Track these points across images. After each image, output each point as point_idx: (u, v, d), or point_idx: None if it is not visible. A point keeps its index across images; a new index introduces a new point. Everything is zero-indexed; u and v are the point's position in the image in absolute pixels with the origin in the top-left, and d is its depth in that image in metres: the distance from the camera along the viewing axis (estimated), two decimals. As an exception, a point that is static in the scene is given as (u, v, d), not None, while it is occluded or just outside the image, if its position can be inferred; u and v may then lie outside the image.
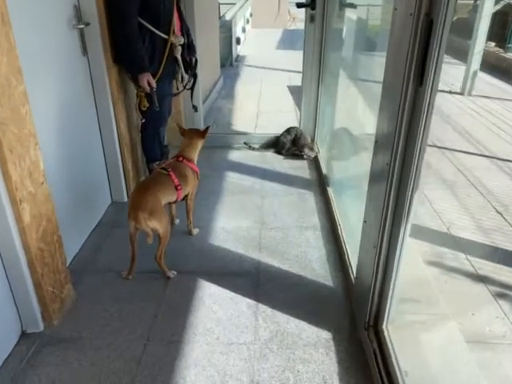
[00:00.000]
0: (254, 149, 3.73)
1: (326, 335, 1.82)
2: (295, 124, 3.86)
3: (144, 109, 2.62)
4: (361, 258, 1.86)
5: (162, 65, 2.60)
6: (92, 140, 2.58)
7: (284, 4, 16.69)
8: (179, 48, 2.67)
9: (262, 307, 1.98)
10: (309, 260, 2.30)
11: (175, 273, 2.18)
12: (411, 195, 1.45)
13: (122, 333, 1.84)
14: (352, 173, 2.65)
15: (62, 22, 2.17)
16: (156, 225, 2.00)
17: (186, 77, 2.85)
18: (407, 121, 1.39)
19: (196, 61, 2.92)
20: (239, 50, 8.27)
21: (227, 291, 2.08)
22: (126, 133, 2.79)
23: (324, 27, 3.26)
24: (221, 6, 7.15)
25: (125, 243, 2.12)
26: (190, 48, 2.84)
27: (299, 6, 3.27)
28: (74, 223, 2.34)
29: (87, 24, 2.32)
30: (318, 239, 2.48)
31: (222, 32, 6.89)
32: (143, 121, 2.69)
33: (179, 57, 2.71)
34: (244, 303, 2.00)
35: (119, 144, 2.73)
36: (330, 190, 2.89)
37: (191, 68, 2.90)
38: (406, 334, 1.80)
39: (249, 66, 7.69)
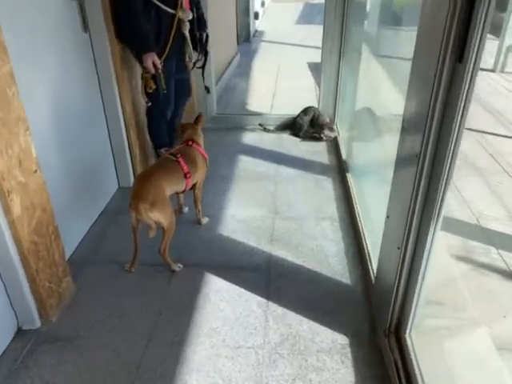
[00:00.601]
0: (268, 131, 3.54)
1: (342, 340, 1.66)
2: (314, 103, 3.64)
3: (150, 91, 2.43)
4: (382, 256, 1.68)
5: (169, 43, 2.40)
6: (96, 123, 2.43)
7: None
8: (187, 24, 2.46)
9: (273, 306, 1.83)
10: (325, 254, 2.13)
11: (181, 266, 2.04)
12: (444, 189, 1.25)
13: (122, 332, 1.72)
14: (375, 158, 2.44)
15: (59, -6, 1.99)
16: (159, 217, 1.86)
17: (194, 55, 2.65)
18: (442, 103, 1.18)
19: (207, 36, 2.70)
20: (257, 25, 7.97)
21: (236, 287, 1.93)
22: (132, 114, 2.63)
23: (346, -2, 3.00)
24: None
25: (130, 232, 1.99)
26: (200, 22, 2.62)
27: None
28: (76, 211, 2.22)
29: (87, -4, 2.14)
30: (335, 231, 2.30)
31: (239, 6, 6.61)
32: (149, 104, 2.52)
33: (187, 33, 2.50)
34: (254, 301, 1.86)
35: (125, 126, 2.58)
36: (349, 177, 2.69)
37: (201, 44, 2.67)
38: (430, 341, 1.63)
39: (267, 41, 7.41)
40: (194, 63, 2.72)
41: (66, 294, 1.85)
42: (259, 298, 1.87)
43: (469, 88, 1.11)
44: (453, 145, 1.20)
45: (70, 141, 2.13)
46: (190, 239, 2.24)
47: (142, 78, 2.42)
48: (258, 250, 2.16)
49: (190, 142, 2.19)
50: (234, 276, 2.00)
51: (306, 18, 9.69)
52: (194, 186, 2.20)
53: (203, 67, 2.78)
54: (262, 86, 4.94)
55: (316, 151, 3.22)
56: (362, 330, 1.71)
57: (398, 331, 1.57)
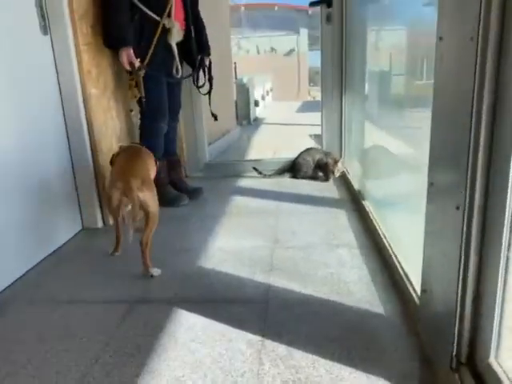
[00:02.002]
0: (265, 176, 3.05)
1: (381, 386, 1.02)
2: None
3: (134, 99, 2.27)
4: (429, 262, 1.11)
5: (151, 49, 2.23)
6: (55, 149, 2.02)
7: (304, 83, 17.21)
8: (174, 35, 2.32)
9: (271, 345, 1.21)
10: (344, 281, 1.54)
11: (159, 271, 1.67)
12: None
13: (33, 387, 1.10)
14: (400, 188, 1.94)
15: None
16: (147, 197, 1.59)
17: (180, 69, 2.47)
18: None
19: (210, 62, 2.66)
20: (258, 112, 8.04)
21: (217, 323, 1.33)
22: (104, 142, 2.24)
23: (343, 27, 2.80)
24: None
25: (86, 269, 1.54)
26: (201, 45, 2.54)
27: (312, 3, 2.87)
28: (18, 246, 1.72)
29: (49, -7, 1.90)
30: (355, 257, 1.73)
31: (239, 91, 6.69)
32: (132, 112, 2.43)
33: (174, 45, 2.35)
34: (242, 340, 1.24)
35: (92, 154, 2.16)
36: (366, 204, 2.18)
37: (202, 67, 2.59)
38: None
39: (268, 123, 7.38)
40: (198, 86, 2.66)
41: (-34, 337, 1.26)
42: (251, 336, 1.26)
43: None
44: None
45: (18, 169, 1.75)
46: (160, 273, 1.67)
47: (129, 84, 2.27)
48: (252, 282, 1.58)
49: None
50: (215, 311, 1.40)
51: (305, 108, 9.88)
52: None
53: (210, 93, 2.65)
54: (263, 146, 4.67)
55: (322, 189, 2.74)
56: (412, 369, 1.07)
57: (473, 359, 0.95)
